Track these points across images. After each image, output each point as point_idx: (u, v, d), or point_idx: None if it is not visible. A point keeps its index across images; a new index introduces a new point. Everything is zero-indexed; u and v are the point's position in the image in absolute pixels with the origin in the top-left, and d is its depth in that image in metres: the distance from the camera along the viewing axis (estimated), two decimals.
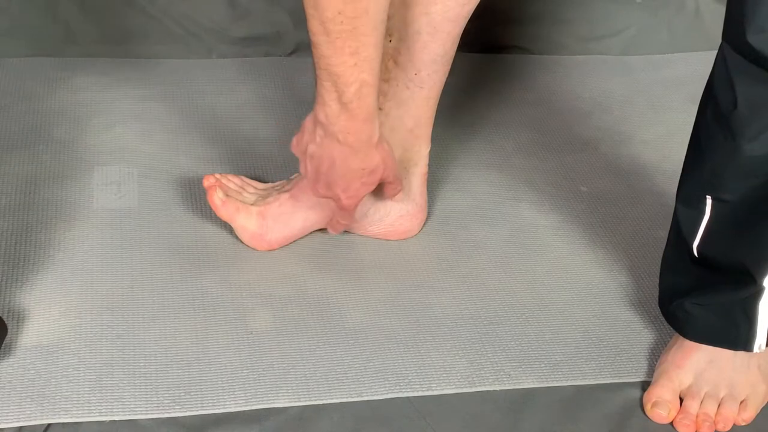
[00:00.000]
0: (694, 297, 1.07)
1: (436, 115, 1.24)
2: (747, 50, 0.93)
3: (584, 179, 1.46)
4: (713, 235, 1.03)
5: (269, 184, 1.30)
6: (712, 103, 1.00)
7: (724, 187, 1.00)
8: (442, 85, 1.21)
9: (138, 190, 1.34)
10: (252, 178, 1.33)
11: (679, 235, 1.06)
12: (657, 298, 1.15)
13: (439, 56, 1.16)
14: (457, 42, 1.17)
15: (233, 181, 1.27)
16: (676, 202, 1.06)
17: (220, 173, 1.28)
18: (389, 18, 1.12)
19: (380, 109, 1.19)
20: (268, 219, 1.23)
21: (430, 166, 1.30)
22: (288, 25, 1.73)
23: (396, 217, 1.28)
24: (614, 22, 1.84)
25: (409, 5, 1.12)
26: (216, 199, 1.23)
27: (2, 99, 1.52)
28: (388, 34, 1.14)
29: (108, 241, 1.23)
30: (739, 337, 1.06)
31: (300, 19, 1.72)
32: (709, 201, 1.02)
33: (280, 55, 1.73)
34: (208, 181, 1.24)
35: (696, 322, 1.07)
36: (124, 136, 1.45)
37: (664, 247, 1.12)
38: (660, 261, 1.13)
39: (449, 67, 1.20)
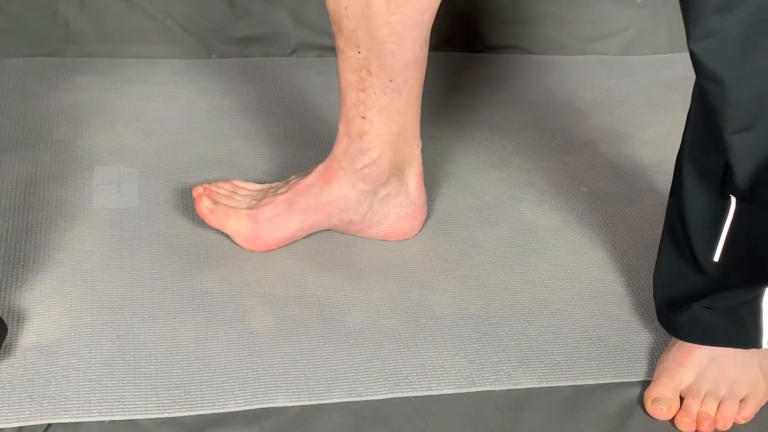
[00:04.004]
0: (703, 301, 1.07)
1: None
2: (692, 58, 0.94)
3: (584, 179, 1.46)
4: (740, 237, 1.03)
5: (265, 185, 1.29)
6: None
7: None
8: (422, 86, 1.21)
9: (138, 190, 1.34)
10: (251, 179, 1.33)
11: (689, 245, 1.06)
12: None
13: (410, 62, 1.16)
14: (427, 45, 1.17)
15: (223, 187, 1.27)
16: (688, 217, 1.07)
17: (208, 182, 1.28)
18: (354, 30, 1.13)
19: (363, 117, 1.19)
20: (261, 221, 1.23)
21: (429, 166, 1.30)
22: (288, 25, 1.73)
23: (395, 219, 1.28)
24: (614, 22, 1.84)
25: (369, 17, 1.12)
26: (203, 208, 1.23)
27: (2, 99, 1.52)
28: (356, 45, 1.14)
29: (108, 241, 1.23)
30: (746, 335, 1.06)
31: (300, 19, 1.73)
32: (733, 201, 1.02)
33: (280, 55, 1.73)
34: (196, 192, 1.25)
35: (703, 326, 1.07)
36: (124, 136, 1.45)
37: (657, 255, 1.12)
38: None
39: (425, 69, 1.19)
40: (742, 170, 0.98)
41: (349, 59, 1.16)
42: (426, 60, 1.18)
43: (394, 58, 1.14)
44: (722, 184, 1.01)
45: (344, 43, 1.16)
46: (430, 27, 1.15)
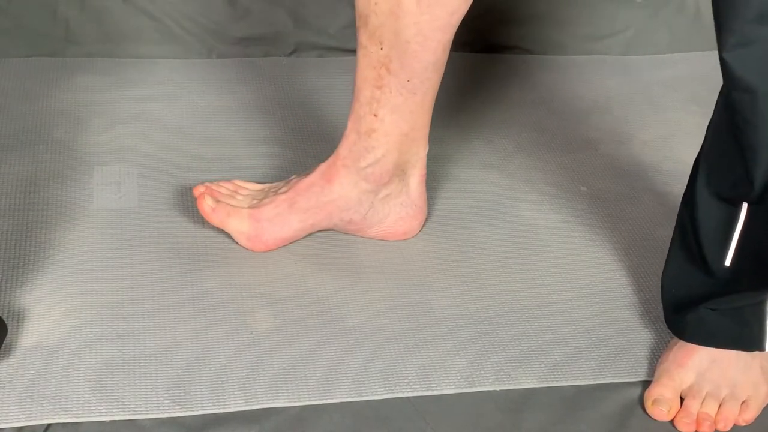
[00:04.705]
0: (710, 302, 1.07)
1: (436, 116, 1.24)
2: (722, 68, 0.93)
3: (584, 179, 1.46)
4: (751, 241, 1.03)
5: (266, 185, 1.29)
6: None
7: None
8: (437, 90, 1.21)
9: (138, 190, 1.34)
10: (251, 179, 1.33)
11: (701, 252, 1.06)
12: (657, 299, 1.15)
13: (430, 64, 1.16)
14: (449, 48, 1.17)
15: (225, 186, 1.27)
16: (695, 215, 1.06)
17: (209, 182, 1.28)
18: (380, 26, 1.13)
19: (375, 115, 1.19)
20: (262, 221, 1.23)
21: (430, 166, 1.30)
22: (288, 25, 1.73)
23: (395, 219, 1.28)
24: (614, 22, 1.84)
25: (398, 15, 1.12)
26: (205, 206, 1.23)
27: (2, 99, 1.52)
28: (379, 42, 1.14)
29: (108, 241, 1.23)
30: (751, 337, 1.06)
31: (300, 19, 1.73)
32: (744, 207, 1.02)
33: (280, 55, 1.73)
34: (197, 191, 1.25)
35: (708, 327, 1.07)
36: (124, 136, 1.45)
37: (666, 259, 1.11)
38: (660, 261, 1.13)
39: (442, 72, 1.19)
40: (763, 178, 0.98)
41: (369, 55, 1.16)
42: (444, 65, 1.18)
43: (416, 58, 1.15)
44: (732, 188, 1.01)
45: (367, 39, 1.15)
46: (455, 31, 1.15)
